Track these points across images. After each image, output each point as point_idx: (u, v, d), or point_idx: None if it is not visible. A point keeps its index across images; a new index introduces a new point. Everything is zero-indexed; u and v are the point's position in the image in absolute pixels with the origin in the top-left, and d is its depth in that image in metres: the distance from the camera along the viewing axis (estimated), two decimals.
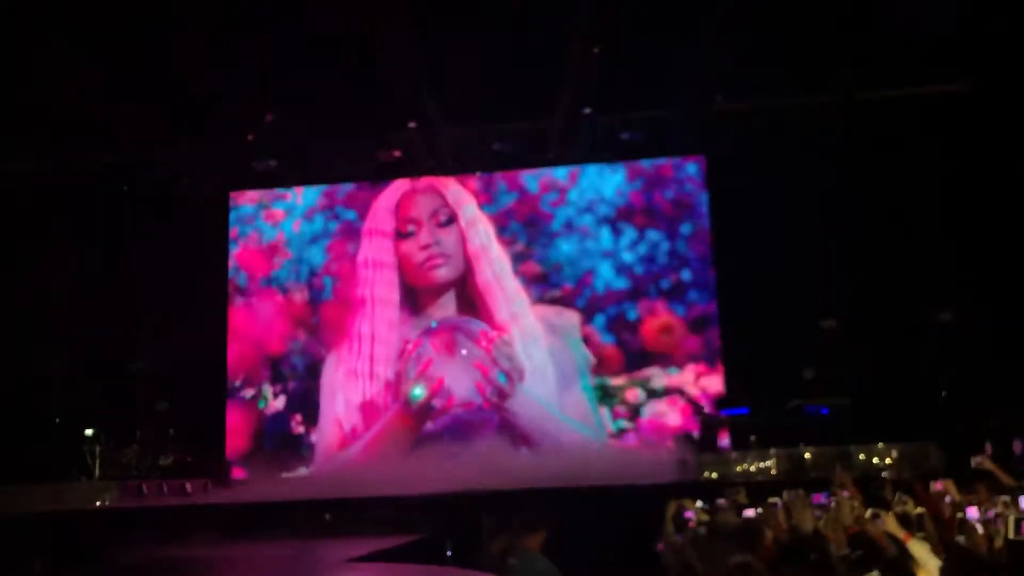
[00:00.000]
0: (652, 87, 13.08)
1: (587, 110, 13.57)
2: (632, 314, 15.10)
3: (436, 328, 14.68)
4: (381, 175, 15.68)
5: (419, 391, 14.16)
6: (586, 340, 14.99)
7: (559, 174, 15.70)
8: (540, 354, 14.81)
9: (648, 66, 12.44)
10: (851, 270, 13.52)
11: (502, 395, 14.12)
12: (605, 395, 14.74)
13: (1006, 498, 4.55)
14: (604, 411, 14.63)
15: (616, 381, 14.80)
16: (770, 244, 13.43)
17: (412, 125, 13.86)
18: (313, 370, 15.55)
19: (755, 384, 13.10)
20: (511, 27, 11.71)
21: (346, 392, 15.12)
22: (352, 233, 16.01)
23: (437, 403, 14.14)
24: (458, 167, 15.23)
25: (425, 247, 15.32)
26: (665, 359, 14.80)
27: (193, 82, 12.23)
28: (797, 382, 13.39)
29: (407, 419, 14.34)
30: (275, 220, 16.34)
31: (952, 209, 13.24)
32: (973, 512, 4.39)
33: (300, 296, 16.07)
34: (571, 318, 15.15)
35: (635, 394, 14.67)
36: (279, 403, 15.66)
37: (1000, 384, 11.92)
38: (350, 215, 16.17)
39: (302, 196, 16.38)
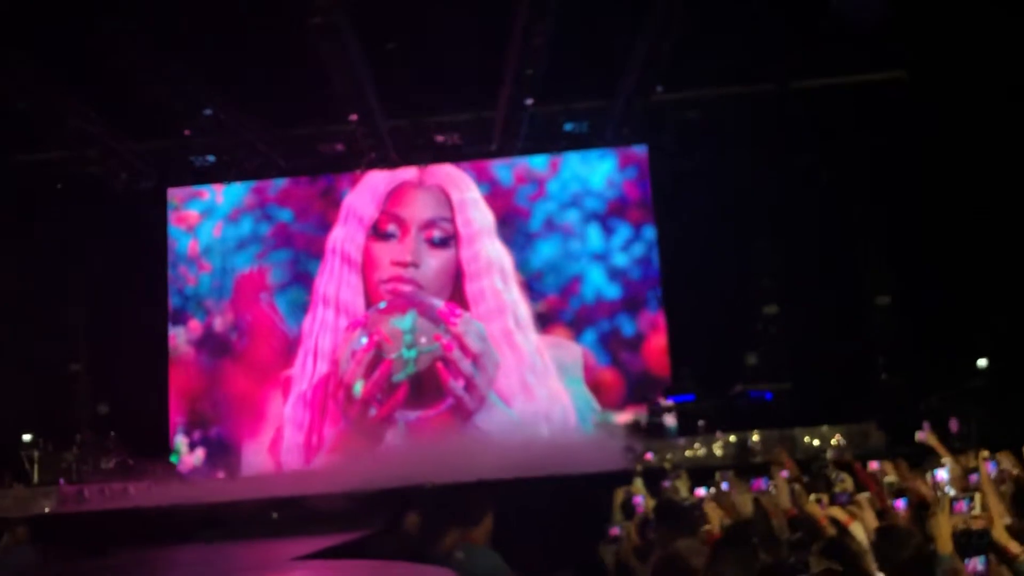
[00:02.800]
0: (594, 77, 13.10)
1: (529, 101, 13.50)
2: (629, 329, 12.70)
3: (385, 307, 12.20)
4: (320, 169, 14.21)
5: (360, 385, 12.21)
6: (585, 368, 12.30)
7: (536, 162, 13.17)
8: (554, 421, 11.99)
9: (589, 56, 12.45)
10: (791, 256, 13.71)
11: (471, 388, 11.75)
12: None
13: (942, 475, 4.67)
14: None
15: (619, 418, 12.16)
16: (712, 231, 13.55)
17: (353, 118, 13.60)
18: (241, 413, 12.71)
19: (700, 370, 13.22)
20: (453, 16, 11.62)
21: (290, 432, 12.27)
22: (288, 239, 13.15)
23: (378, 403, 11.89)
24: (403, 160, 14.13)
25: (397, 263, 12.42)
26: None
27: (130, 75, 11.92)
28: (741, 367, 13.56)
29: (357, 437, 11.89)
30: (188, 224, 13.61)
31: (888, 195, 13.55)
32: (900, 503, 4.51)
33: (222, 320, 13.04)
34: (572, 352, 12.43)
35: None
36: (196, 458, 12.74)
37: (937, 366, 12.25)
38: (285, 215, 13.41)
39: (223, 194, 13.42)
